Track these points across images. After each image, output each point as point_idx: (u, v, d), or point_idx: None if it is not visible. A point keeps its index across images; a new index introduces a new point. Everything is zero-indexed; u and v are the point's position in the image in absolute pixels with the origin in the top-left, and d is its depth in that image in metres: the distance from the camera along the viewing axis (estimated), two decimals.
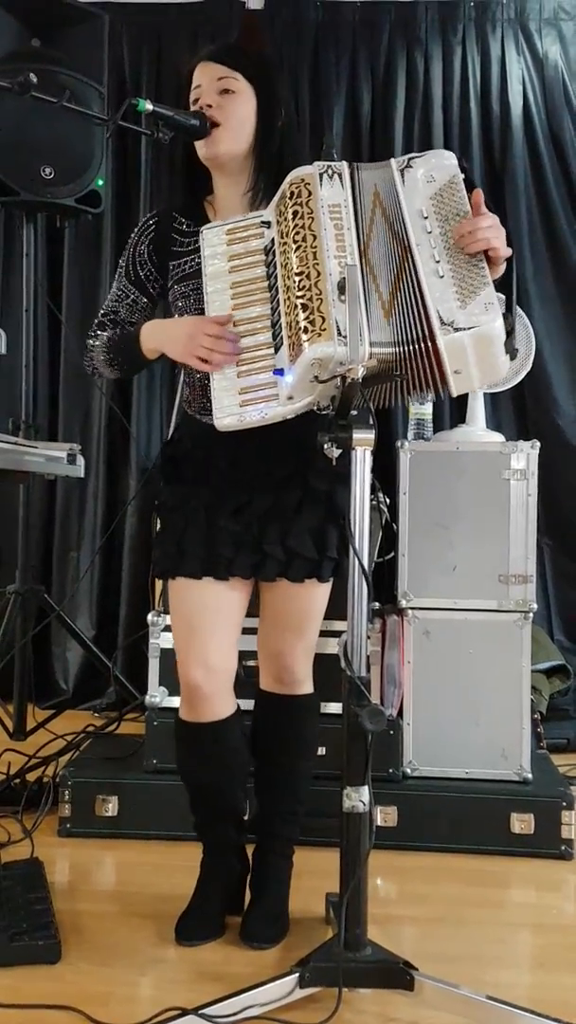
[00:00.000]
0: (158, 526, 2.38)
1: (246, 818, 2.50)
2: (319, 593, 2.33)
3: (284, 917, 2.37)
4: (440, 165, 2.04)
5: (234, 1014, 1.90)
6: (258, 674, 2.44)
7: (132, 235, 2.38)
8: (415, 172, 2.02)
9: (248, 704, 2.44)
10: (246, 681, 2.50)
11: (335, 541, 2.27)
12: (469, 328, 1.90)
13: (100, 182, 3.62)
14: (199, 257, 2.21)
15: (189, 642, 2.28)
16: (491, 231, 1.97)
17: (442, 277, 1.94)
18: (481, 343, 1.92)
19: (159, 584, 3.10)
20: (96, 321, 2.38)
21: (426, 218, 1.98)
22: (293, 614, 2.33)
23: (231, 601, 2.29)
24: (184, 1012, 1.89)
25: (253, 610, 2.38)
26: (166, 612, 2.80)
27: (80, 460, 3.29)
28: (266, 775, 2.44)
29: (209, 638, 2.27)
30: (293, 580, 2.26)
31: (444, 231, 1.98)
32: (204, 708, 2.29)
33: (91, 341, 2.36)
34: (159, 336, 2.20)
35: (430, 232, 1.97)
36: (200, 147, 2.25)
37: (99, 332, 2.35)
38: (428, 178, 2.02)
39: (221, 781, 2.37)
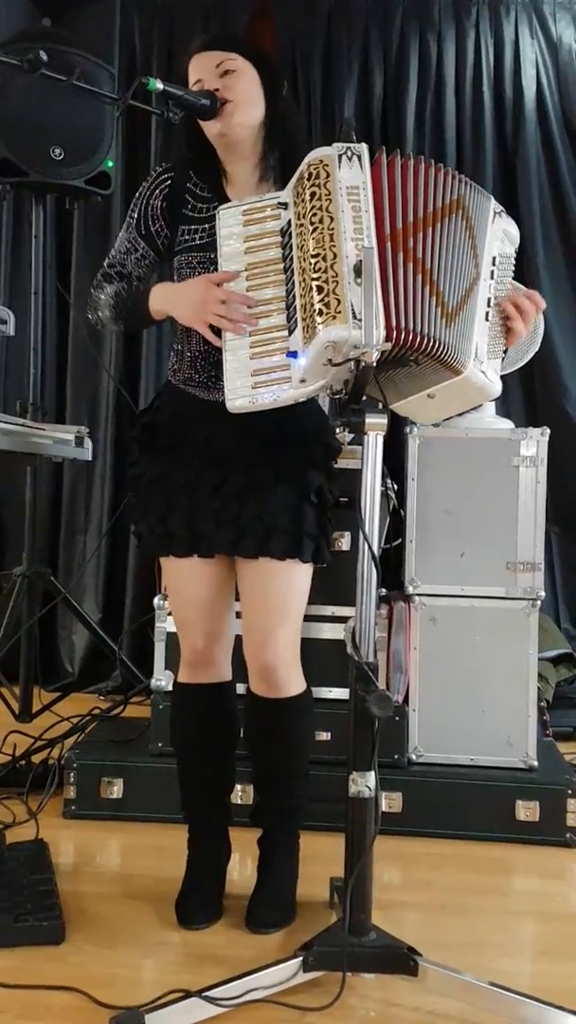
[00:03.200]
0: (135, 496, 2.36)
1: (238, 801, 2.51)
2: (299, 575, 2.29)
3: (289, 903, 2.38)
4: (513, 236, 2.17)
5: (237, 997, 1.90)
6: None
7: (143, 186, 2.33)
8: (501, 224, 2.12)
9: (243, 689, 2.44)
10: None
11: (313, 521, 2.26)
12: (489, 378, 2.03)
13: (110, 163, 3.60)
14: (210, 228, 2.21)
15: (189, 612, 2.35)
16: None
17: (486, 322, 2.05)
18: (479, 394, 2.07)
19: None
20: (102, 272, 2.35)
21: (493, 267, 2.08)
22: (272, 596, 2.28)
23: (220, 574, 2.33)
24: (187, 994, 1.89)
25: None
26: None
27: (88, 443, 3.29)
28: (261, 773, 2.45)
29: (207, 609, 2.33)
30: (274, 556, 2.23)
31: (496, 289, 2.09)
32: (207, 670, 2.37)
33: (96, 291, 2.33)
34: (169, 298, 2.17)
35: (490, 280, 2.07)
36: (212, 126, 2.22)
37: (105, 284, 2.32)
38: (503, 237, 2.13)
39: (211, 745, 2.41)
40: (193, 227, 2.27)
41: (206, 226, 2.23)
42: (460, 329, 1.98)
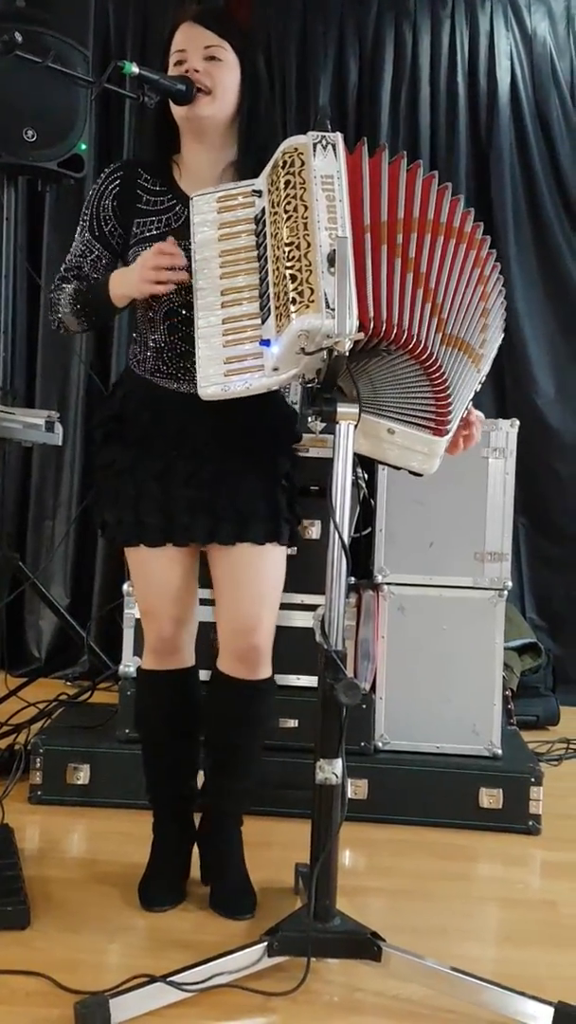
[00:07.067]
0: (102, 485, 2.34)
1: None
2: (277, 558, 2.30)
3: (251, 885, 2.39)
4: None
5: (202, 982, 1.91)
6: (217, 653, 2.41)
7: (94, 187, 2.32)
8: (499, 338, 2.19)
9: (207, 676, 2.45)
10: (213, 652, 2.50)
11: (285, 505, 2.28)
12: (441, 458, 2.08)
13: (83, 146, 3.58)
14: (165, 219, 2.23)
15: (157, 602, 2.33)
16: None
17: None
18: (423, 461, 2.07)
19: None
20: (59, 275, 2.35)
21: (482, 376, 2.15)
22: (253, 580, 2.29)
23: (187, 562, 2.33)
24: (152, 979, 1.90)
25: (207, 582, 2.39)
26: None
27: (58, 428, 3.27)
28: (217, 754, 2.43)
29: (175, 597, 2.32)
30: (254, 542, 2.24)
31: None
32: (173, 657, 2.37)
33: (55, 294, 2.32)
34: (123, 279, 2.18)
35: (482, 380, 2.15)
36: (182, 110, 2.21)
37: (64, 286, 2.32)
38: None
39: (176, 731, 2.41)
40: (148, 219, 2.26)
41: (162, 217, 2.24)
42: (458, 371, 1.99)
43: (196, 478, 2.23)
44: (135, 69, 2.15)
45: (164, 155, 2.32)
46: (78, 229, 2.35)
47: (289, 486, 2.30)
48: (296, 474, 2.33)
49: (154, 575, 2.32)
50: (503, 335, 2.20)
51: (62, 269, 2.35)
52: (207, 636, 2.48)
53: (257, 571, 2.28)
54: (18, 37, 2.67)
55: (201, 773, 2.46)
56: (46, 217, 4.57)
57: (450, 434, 2.05)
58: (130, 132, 4.55)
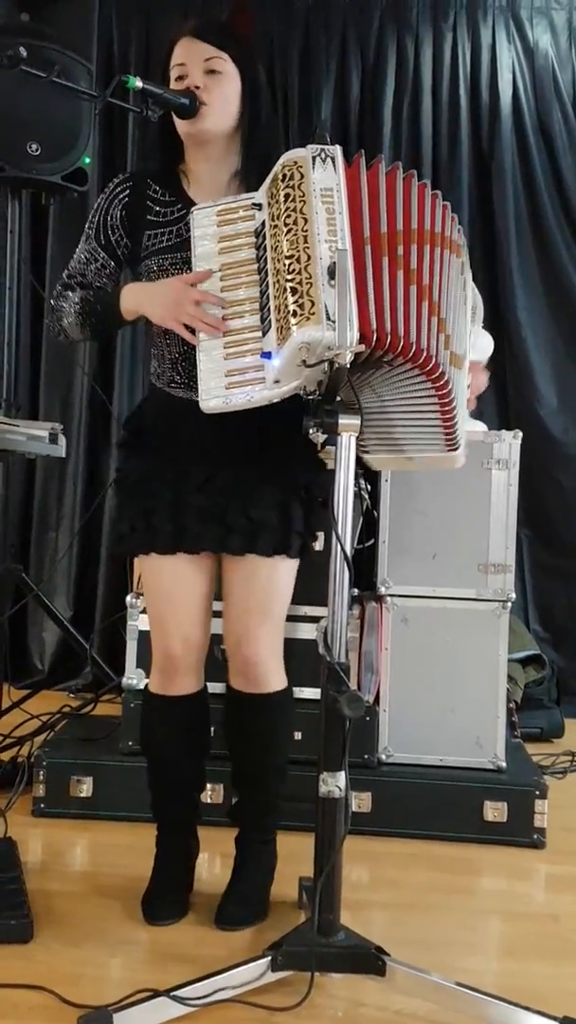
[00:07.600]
0: (119, 498, 2.36)
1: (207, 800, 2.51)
2: (284, 571, 2.29)
3: (260, 903, 2.37)
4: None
5: (205, 996, 1.90)
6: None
7: (101, 197, 2.32)
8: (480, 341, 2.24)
9: (219, 687, 2.44)
10: (223, 663, 2.50)
11: (300, 516, 2.26)
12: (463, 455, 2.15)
13: (87, 160, 3.59)
14: (177, 230, 2.22)
15: (167, 615, 2.31)
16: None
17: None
18: (448, 465, 2.19)
19: (137, 566, 3.10)
20: (61, 282, 2.34)
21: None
22: (256, 592, 2.28)
23: (202, 576, 2.31)
24: (156, 994, 1.89)
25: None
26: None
27: (62, 440, 3.27)
28: (239, 769, 2.44)
29: (187, 611, 2.30)
30: (261, 554, 2.24)
31: None
32: (178, 680, 2.33)
33: (58, 301, 2.31)
34: (141, 298, 2.18)
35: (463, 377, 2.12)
36: (185, 124, 2.22)
37: (67, 293, 2.30)
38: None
39: (184, 755, 2.40)
40: (160, 231, 2.25)
41: (173, 228, 2.24)
42: (457, 384, 2.00)
43: (210, 485, 2.23)
44: (139, 83, 2.16)
45: (171, 165, 2.33)
46: (83, 237, 2.34)
47: (308, 498, 2.28)
48: (318, 485, 2.29)
49: (165, 585, 2.30)
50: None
51: (64, 276, 2.34)
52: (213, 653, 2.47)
53: (266, 582, 2.28)
54: (23, 52, 2.68)
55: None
56: (50, 230, 4.59)
57: (463, 446, 2.05)
58: (134, 145, 4.57)
